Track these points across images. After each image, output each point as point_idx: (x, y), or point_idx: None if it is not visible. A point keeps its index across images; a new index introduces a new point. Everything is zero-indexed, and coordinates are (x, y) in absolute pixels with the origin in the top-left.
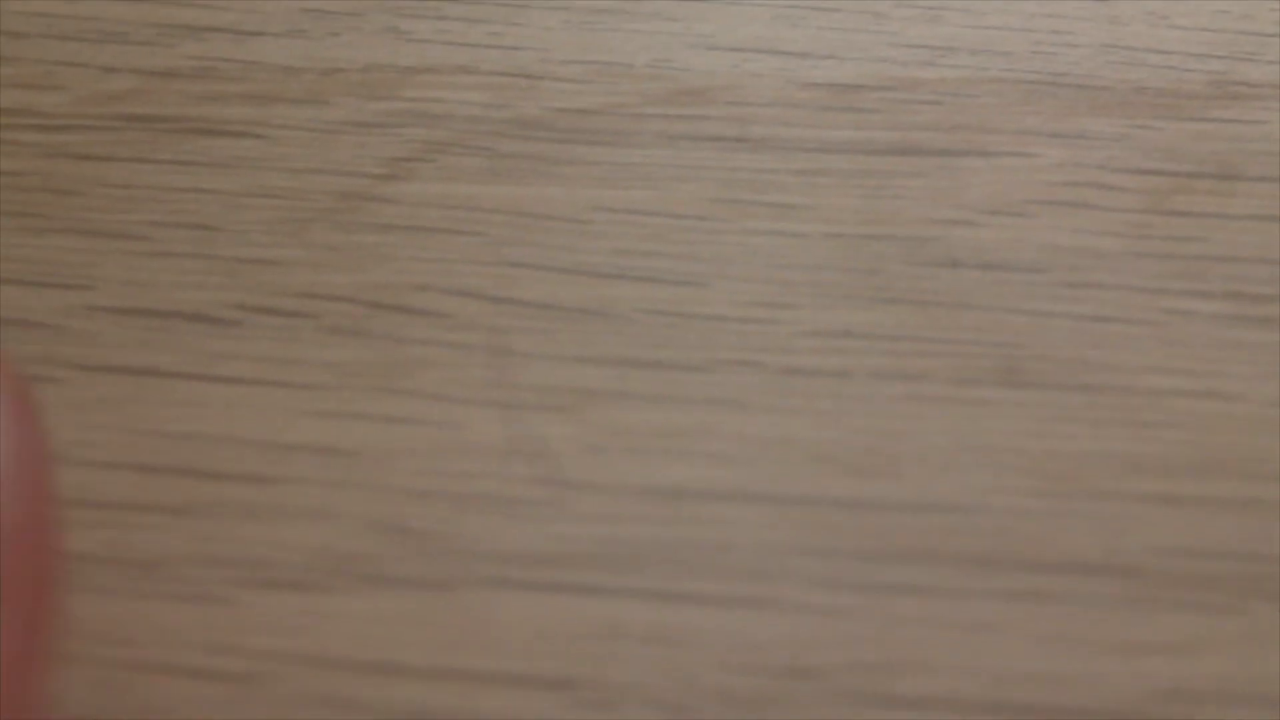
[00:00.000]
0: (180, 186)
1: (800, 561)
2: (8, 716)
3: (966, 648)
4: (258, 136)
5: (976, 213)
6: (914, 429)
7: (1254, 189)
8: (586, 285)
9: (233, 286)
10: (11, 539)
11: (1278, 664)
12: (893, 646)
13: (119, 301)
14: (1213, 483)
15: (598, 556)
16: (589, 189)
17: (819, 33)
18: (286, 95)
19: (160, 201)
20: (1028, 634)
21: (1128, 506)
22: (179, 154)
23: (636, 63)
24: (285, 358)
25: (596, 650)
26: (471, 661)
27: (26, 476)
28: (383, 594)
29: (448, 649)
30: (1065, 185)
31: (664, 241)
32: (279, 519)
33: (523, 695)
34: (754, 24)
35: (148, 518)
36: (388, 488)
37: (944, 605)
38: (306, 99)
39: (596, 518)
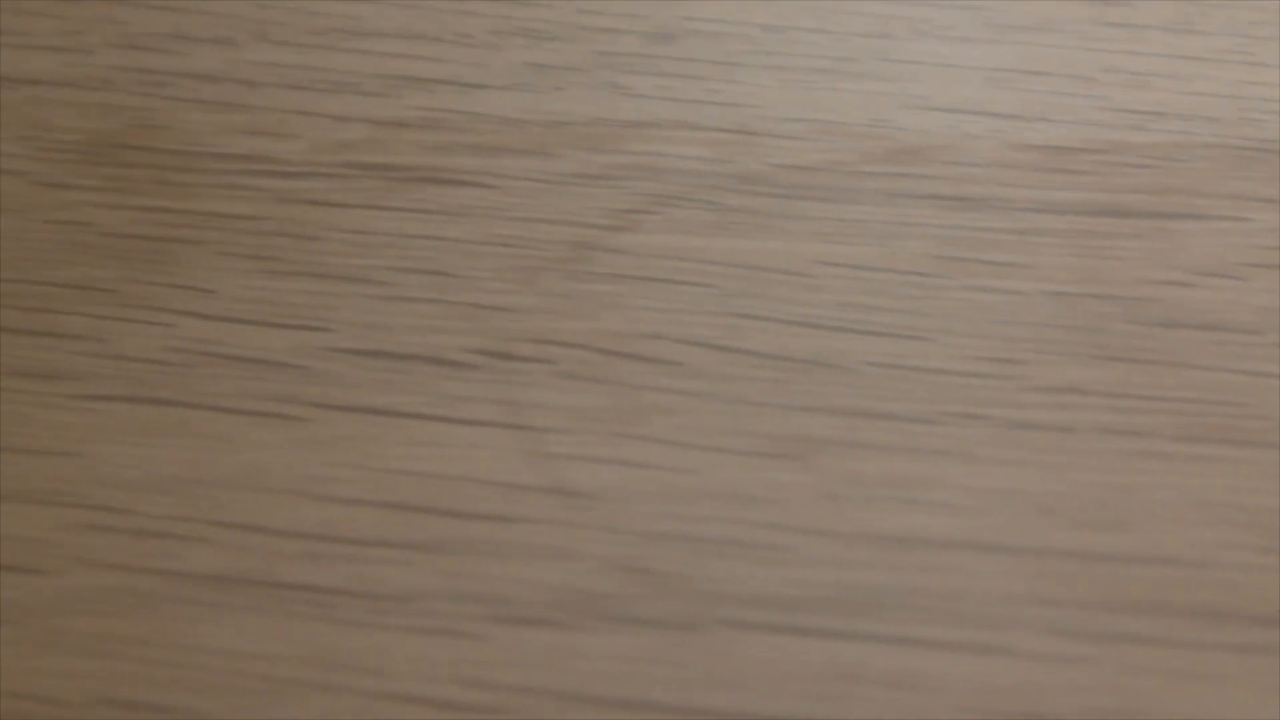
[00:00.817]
0: (413, 233)
1: (1033, 610)
2: None
3: (1199, 698)
4: (486, 186)
5: (1192, 274)
6: (1140, 483)
7: None
8: (813, 337)
9: (469, 331)
10: None
11: None
12: (1127, 695)
13: (358, 343)
14: None
15: (834, 601)
16: (812, 244)
17: (1030, 96)
18: (513, 146)
19: (394, 247)
20: (1259, 686)
21: None
22: (410, 202)
23: (853, 121)
24: (522, 401)
25: (837, 692)
26: (717, 701)
27: None
28: (627, 633)
29: (693, 688)
30: (1278, 250)
31: (887, 296)
32: (522, 557)
33: None
34: (966, 86)
35: (395, 553)
36: (627, 530)
37: (1176, 656)
38: (532, 150)
39: (831, 563)
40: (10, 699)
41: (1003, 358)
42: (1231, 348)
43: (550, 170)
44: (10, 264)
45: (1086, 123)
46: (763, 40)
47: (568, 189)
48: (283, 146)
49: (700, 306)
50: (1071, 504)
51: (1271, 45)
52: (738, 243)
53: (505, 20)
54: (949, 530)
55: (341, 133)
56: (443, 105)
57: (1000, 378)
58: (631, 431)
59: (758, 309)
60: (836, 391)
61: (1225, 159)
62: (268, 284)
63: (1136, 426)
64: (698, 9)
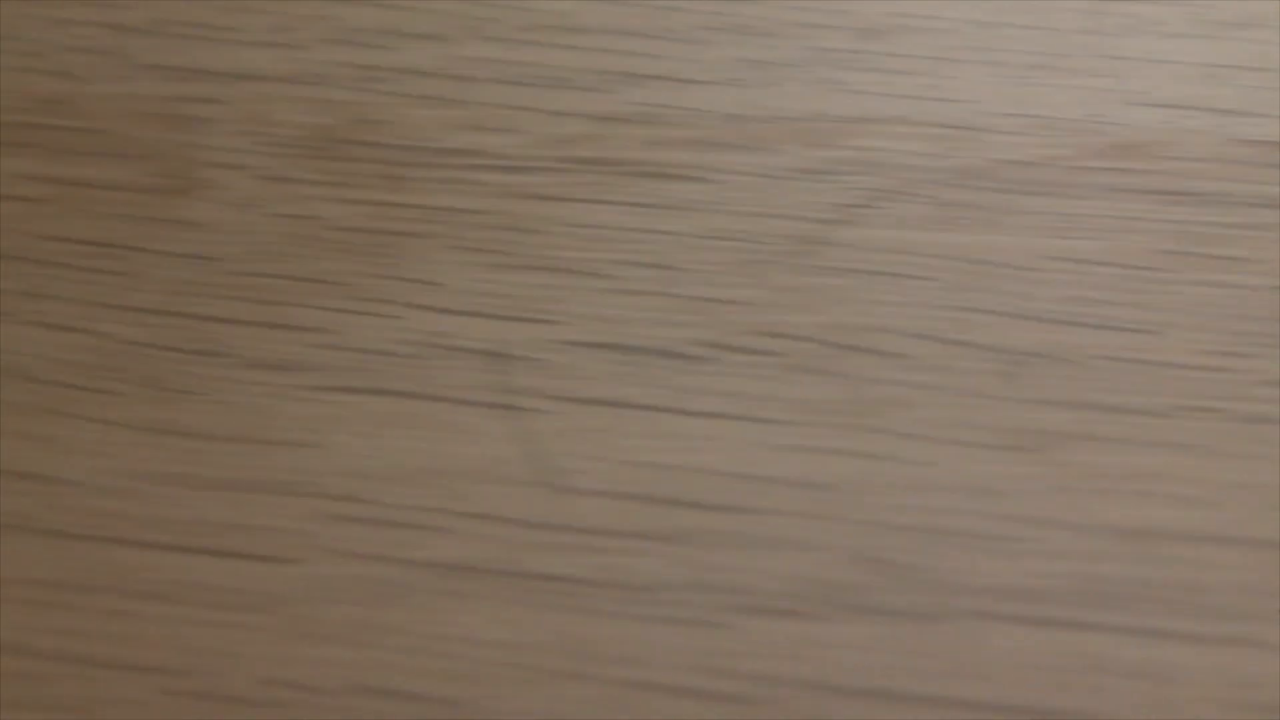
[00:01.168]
0: (637, 227)
1: (1277, 603)
2: None
3: None
4: (706, 181)
5: None
6: None
7: None
8: (1041, 330)
9: (698, 324)
10: None
11: None
12: None
13: (590, 336)
14: None
15: (1076, 593)
16: (1035, 238)
17: (1249, 91)
18: (731, 142)
19: (619, 241)
20: None
21: None
22: (632, 196)
23: (1071, 117)
24: (755, 394)
25: (1084, 683)
26: (962, 690)
27: None
28: (871, 623)
29: (937, 678)
30: None
31: (1115, 290)
32: (763, 548)
33: None
34: (1183, 81)
35: (640, 544)
36: (866, 521)
37: None
38: (751, 145)
39: (1070, 555)
40: (264, 685)
41: (1234, 351)
42: None
43: (770, 165)
44: (241, 257)
45: None
46: (976, 36)
47: (788, 183)
48: (502, 141)
49: (925, 300)
50: None
51: None
52: (960, 237)
53: (714, 16)
54: (1186, 523)
55: (560, 128)
56: (659, 100)
57: (1231, 371)
58: (864, 424)
59: (983, 302)
60: (1066, 385)
61: None
62: (495, 277)
63: None
64: (908, 5)
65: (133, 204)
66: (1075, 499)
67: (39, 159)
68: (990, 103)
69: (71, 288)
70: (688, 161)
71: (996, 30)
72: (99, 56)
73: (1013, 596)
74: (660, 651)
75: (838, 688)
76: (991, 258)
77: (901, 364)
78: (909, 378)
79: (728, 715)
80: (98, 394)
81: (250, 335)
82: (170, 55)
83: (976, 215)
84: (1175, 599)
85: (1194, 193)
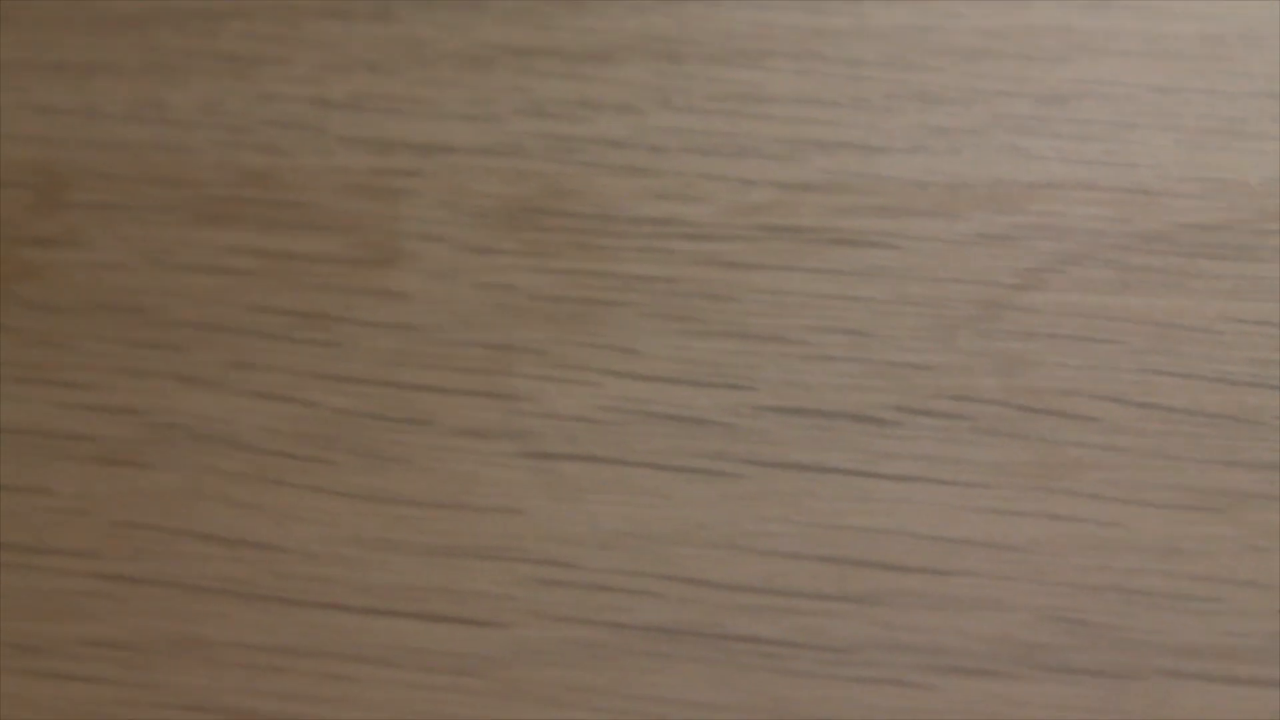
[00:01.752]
0: (827, 293)
1: None
2: None
3: None
4: (893, 247)
5: None
6: None
7: None
8: (1227, 392)
9: (888, 389)
10: None
11: None
12: None
13: (783, 401)
14: None
15: (1266, 650)
16: (1219, 301)
17: None
18: (917, 208)
19: (810, 307)
20: None
21: None
22: (822, 262)
23: (1251, 180)
24: (946, 456)
25: None
26: None
27: None
28: (1066, 682)
29: None
30: None
31: None
32: (957, 609)
33: None
34: None
35: (835, 605)
36: (1058, 581)
37: None
38: (936, 211)
39: (1260, 613)
40: None
41: None
42: None
43: (955, 230)
44: (444, 327)
45: None
46: (1155, 101)
47: (973, 249)
48: (693, 210)
49: (1113, 363)
50: None
51: None
52: (1143, 300)
53: (899, 84)
54: None
55: (749, 195)
56: (845, 168)
57: None
58: (1055, 485)
59: (1170, 365)
60: (1255, 446)
61: None
62: (690, 344)
63: None
64: (1087, 72)
65: (337, 275)
66: (1267, 559)
67: (246, 231)
68: (1170, 167)
69: (281, 358)
70: (875, 228)
71: (1175, 95)
72: (302, 131)
73: (1206, 655)
74: (858, 710)
75: None
76: (1175, 321)
77: (1089, 426)
78: (1097, 440)
79: None
80: (309, 462)
81: (454, 403)
82: (370, 129)
83: (1159, 279)
84: None
85: None
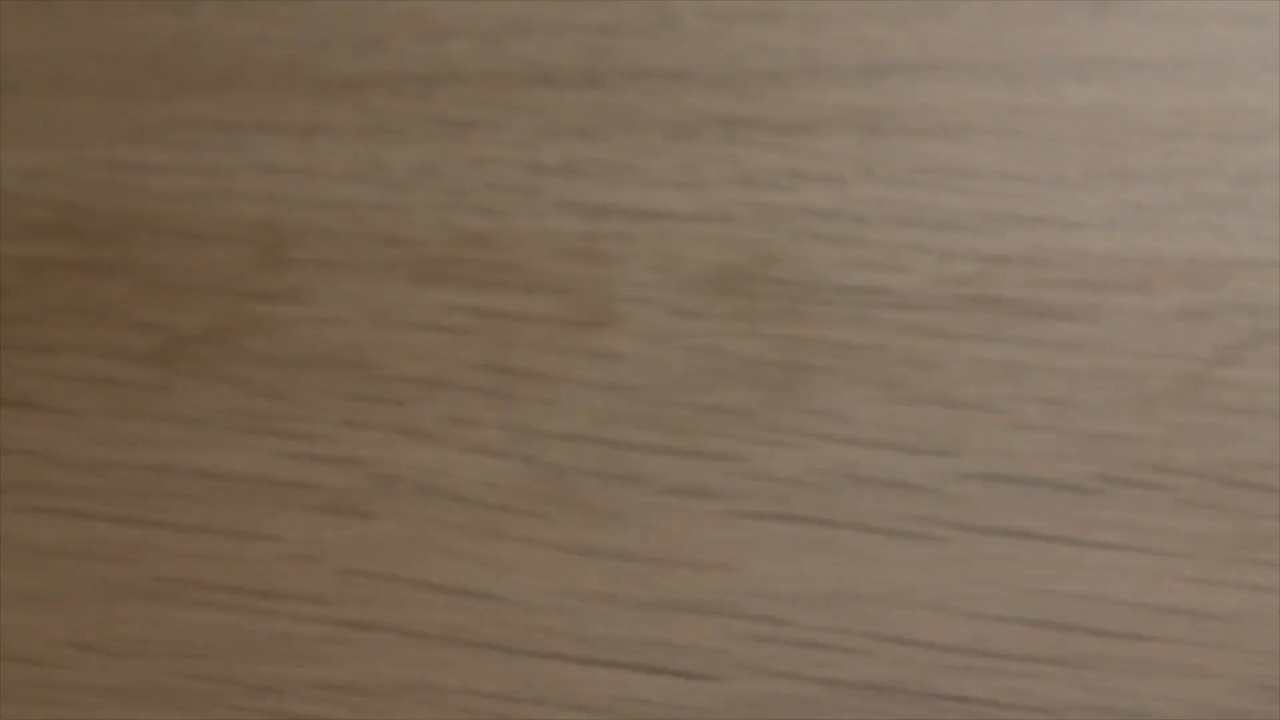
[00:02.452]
0: (1029, 363)
1: None
2: None
3: None
4: (1092, 320)
5: None
6: None
7: None
8: None
9: (1090, 458)
10: None
11: None
12: None
13: (988, 468)
14: None
15: None
16: None
17: None
18: (1115, 283)
19: (1012, 377)
20: None
21: None
22: (1023, 333)
23: None
24: (1148, 526)
25: None
26: None
27: None
28: None
29: None
30: None
31: None
32: (1161, 675)
33: None
34: None
35: (1041, 668)
36: (1261, 650)
37: None
38: (1134, 286)
39: None
40: None
41: None
42: None
43: (1153, 306)
44: (656, 388)
45: None
46: None
47: (1171, 323)
48: (898, 279)
49: None
50: None
51: None
52: None
53: (1096, 161)
54: None
55: (952, 267)
56: (1045, 242)
57: None
58: (1256, 557)
59: None
60: None
61: None
62: (896, 410)
63: None
64: None
65: (553, 335)
66: None
67: (463, 291)
68: None
69: (499, 414)
70: (1074, 301)
71: None
72: (516, 194)
73: None
74: None
75: None
76: None
77: None
78: None
79: None
80: (528, 515)
81: (668, 462)
82: (582, 193)
83: None
84: None
85: None
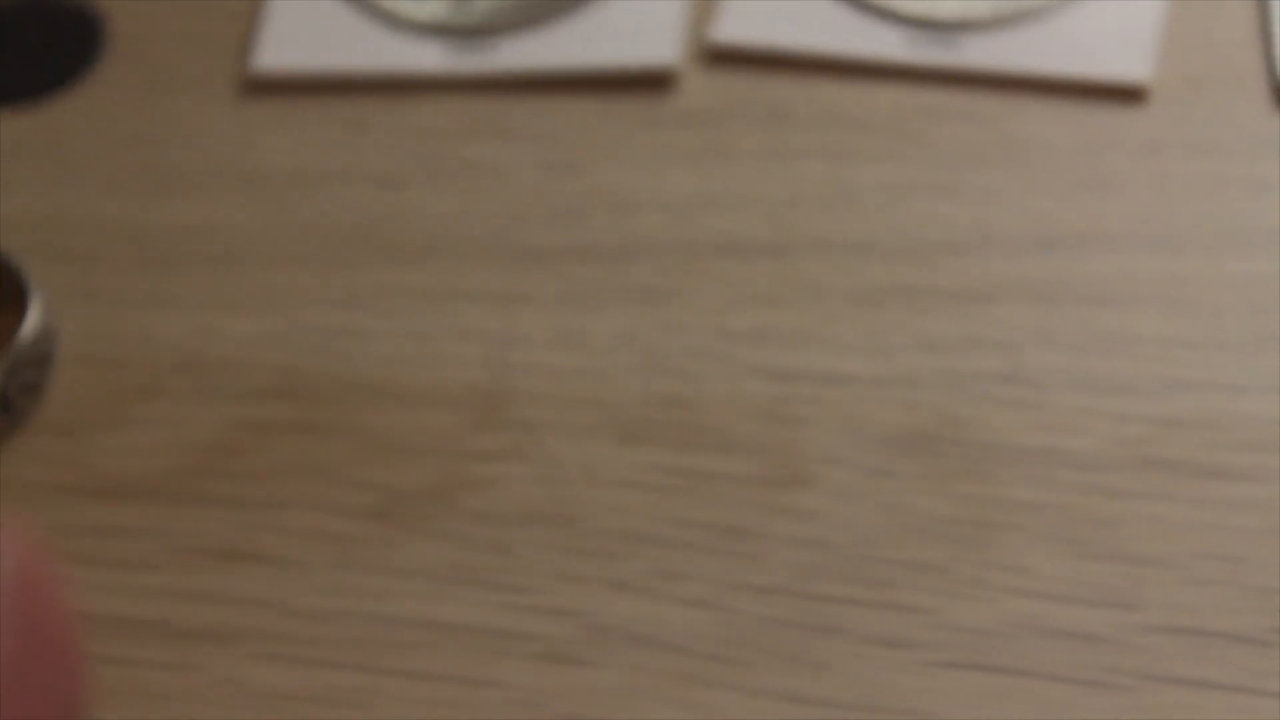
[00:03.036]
0: (1204, 522)
1: None
2: None
3: None
4: (1263, 480)
5: None
6: None
7: None
8: None
9: (1266, 611)
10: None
11: None
12: None
13: (1167, 621)
14: None
15: None
16: None
17: None
18: None
19: (1189, 535)
20: None
21: None
22: (1197, 493)
23: None
24: None
25: None
26: None
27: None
28: None
29: None
30: None
31: None
32: None
33: None
34: None
35: None
36: None
37: None
38: None
39: None
40: None
41: None
42: None
43: None
44: (850, 543)
45: None
46: None
47: None
48: (1076, 441)
49: None
50: None
51: None
52: None
53: (1259, 327)
54: None
55: (1126, 429)
56: (1213, 405)
57: None
58: None
59: None
60: None
61: None
62: (1079, 565)
63: None
64: None
65: (750, 493)
66: None
67: (664, 451)
68: None
69: (703, 568)
70: (1244, 462)
71: None
72: (710, 359)
73: None
74: None
75: None
76: None
77: None
78: None
79: None
80: (734, 665)
81: (864, 614)
82: (772, 358)
83: None
84: None
85: None
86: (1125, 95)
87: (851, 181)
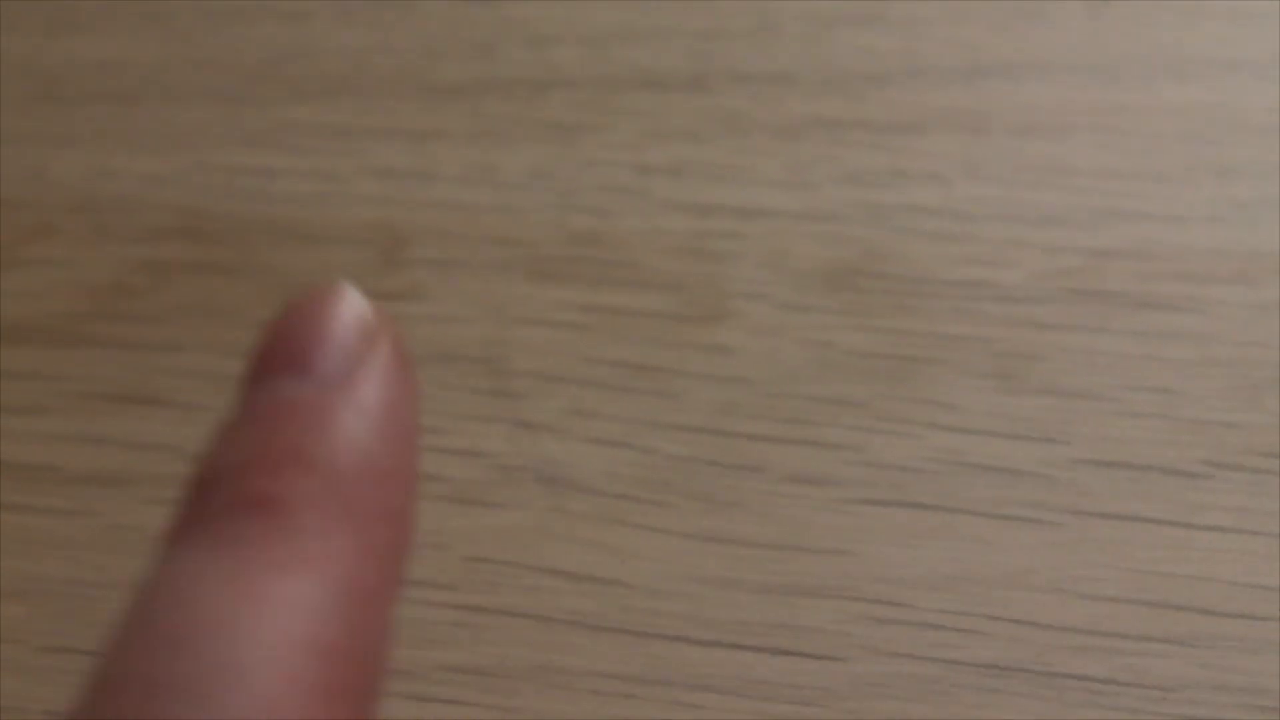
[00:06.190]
0: (1135, 354)
1: None
2: (361, 643)
3: None
4: (1197, 311)
5: None
6: None
7: None
8: None
9: (1198, 444)
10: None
11: None
12: None
13: (1097, 455)
14: None
15: None
16: None
17: None
18: (1218, 275)
19: (1119, 367)
20: None
21: None
22: (1129, 325)
23: None
24: (1257, 509)
25: None
26: None
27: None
28: None
29: None
30: None
31: None
32: (1274, 653)
33: None
34: None
35: (1156, 647)
36: None
37: None
38: (1237, 279)
39: None
40: None
41: None
42: None
43: (1256, 297)
44: (769, 380)
45: None
46: None
47: (1272, 314)
48: (1004, 274)
49: None
50: None
51: None
52: None
53: (1195, 157)
54: None
55: (1057, 261)
56: (1148, 236)
57: None
58: None
59: None
60: None
61: None
62: (1005, 400)
63: None
64: None
65: (666, 330)
66: None
67: (578, 288)
68: None
69: (617, 406)
70: (1178, 293)
71: None
72: (626, 195)
73: None
74: None
75: None
76: None
77: None
78: None
79: None
80: (649, 504)
81: (784, 451)
82: (691, 194)
83: None
84: None
85: None
86: None
87: (773, 12)
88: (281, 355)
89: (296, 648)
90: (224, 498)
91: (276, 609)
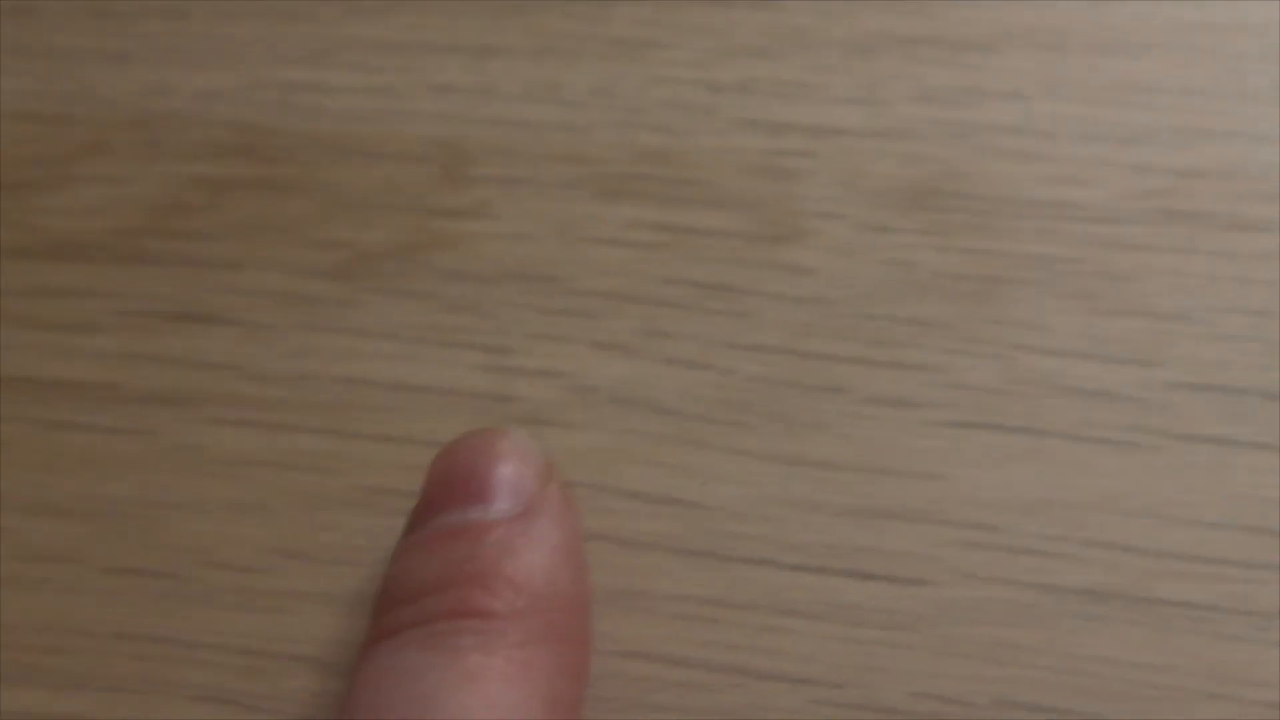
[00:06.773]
0: (1226, 275)
1: None
2: None
3: None
4: None
5: None
6: None
7: None
8: None
9: None
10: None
11: None
12: None
13: (1191, 378)
14: None
15: None
16: None
17: None
18: None
19: (1210, 289)
20: None
21: None
22: (1219, 246)
23: None
24: None
25: None
26: None
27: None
28: None
29: None
30: None
31: None
32: None
33: None
34: None
35: (1261, 573)
36: None
37: None
38: None
39: None
40: (916, 699)
41: None
42: None
43: None
44: (849, 300)
45: None
46: None
47: None
48: (1088, 193)
49: None
50: None
51: None
52: None
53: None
54: None
55: (1143, 181)
56: (1235, 156)
57: None
58: None
59: None
60: None
61: None
62: (1096, 321)
63: None
64: None
65: (740, 250)
66: None
67: (647, 207)
68: None
69: (692, 326)
70: (1268, 214)
71: None
72: (694, 113)
73: None
74: None
75: None
76: None
77: None
78: None
79: None
80: (728, 426)
81: (866, 373)
82: (761, 111)
83: None
84: None
85: None
86: None
87: None
88: (461, 490)
89: None
90: (434, 607)
91: (497, 710)
